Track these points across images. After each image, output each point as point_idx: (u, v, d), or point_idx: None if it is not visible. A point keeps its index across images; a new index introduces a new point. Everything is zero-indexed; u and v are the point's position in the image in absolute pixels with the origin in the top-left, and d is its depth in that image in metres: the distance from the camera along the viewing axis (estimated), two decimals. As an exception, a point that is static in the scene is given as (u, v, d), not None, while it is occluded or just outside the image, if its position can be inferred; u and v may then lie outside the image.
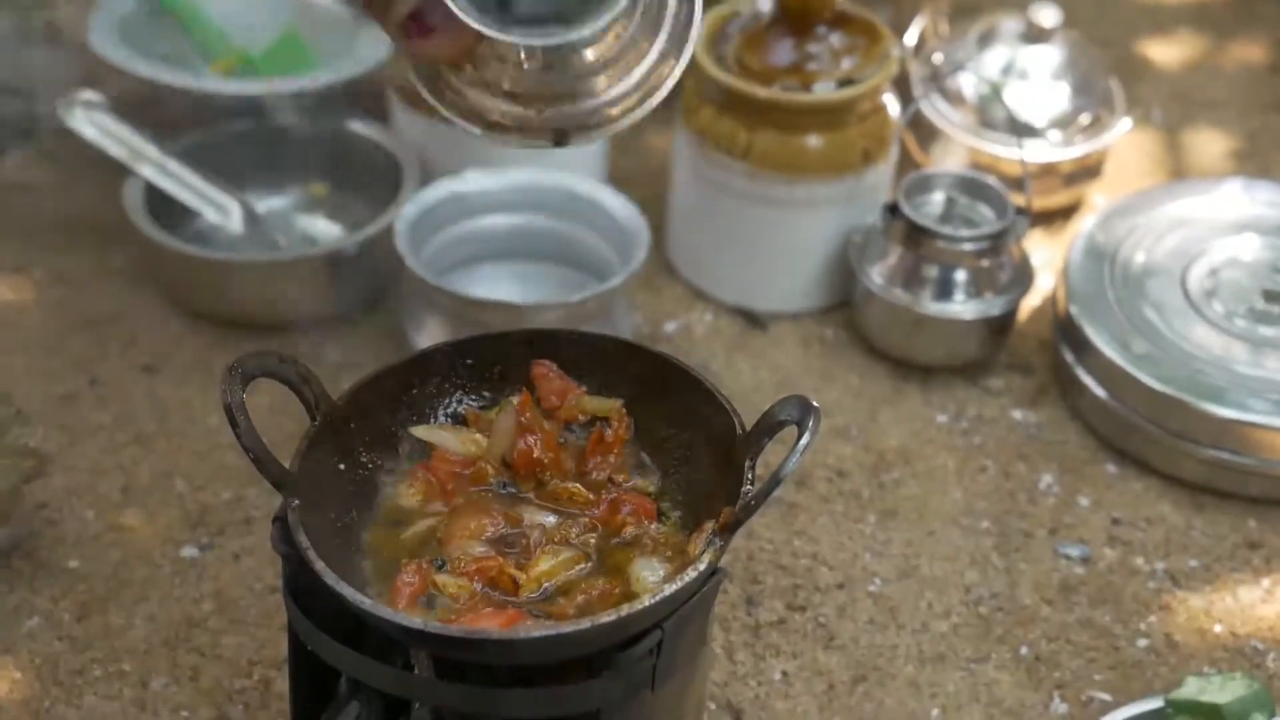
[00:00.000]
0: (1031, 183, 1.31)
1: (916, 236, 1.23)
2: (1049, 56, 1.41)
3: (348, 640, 0.75)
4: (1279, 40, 1.74)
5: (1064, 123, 1.40)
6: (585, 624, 0.70)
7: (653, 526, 0.81)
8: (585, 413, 0.86)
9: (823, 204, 1.27)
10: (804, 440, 0.73)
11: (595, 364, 0.86)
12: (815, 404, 0.75)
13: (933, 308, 1.23)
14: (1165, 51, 1.72)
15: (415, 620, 0.71)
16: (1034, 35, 1.41)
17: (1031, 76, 1.40)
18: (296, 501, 0.75)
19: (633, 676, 0.74)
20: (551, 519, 0.81)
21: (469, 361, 0.86)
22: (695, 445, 0.83)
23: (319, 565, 0.72)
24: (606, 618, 0.70)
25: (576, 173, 1.29)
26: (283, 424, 1.07)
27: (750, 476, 0.76)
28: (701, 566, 0.73)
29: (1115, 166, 1.48)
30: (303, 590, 0.75)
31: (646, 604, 0.71)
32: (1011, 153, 1.34)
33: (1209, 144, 1.57)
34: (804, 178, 1.25)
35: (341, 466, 0.81)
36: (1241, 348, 1.19)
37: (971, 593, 1.08)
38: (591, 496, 0.82)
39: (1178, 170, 1.53)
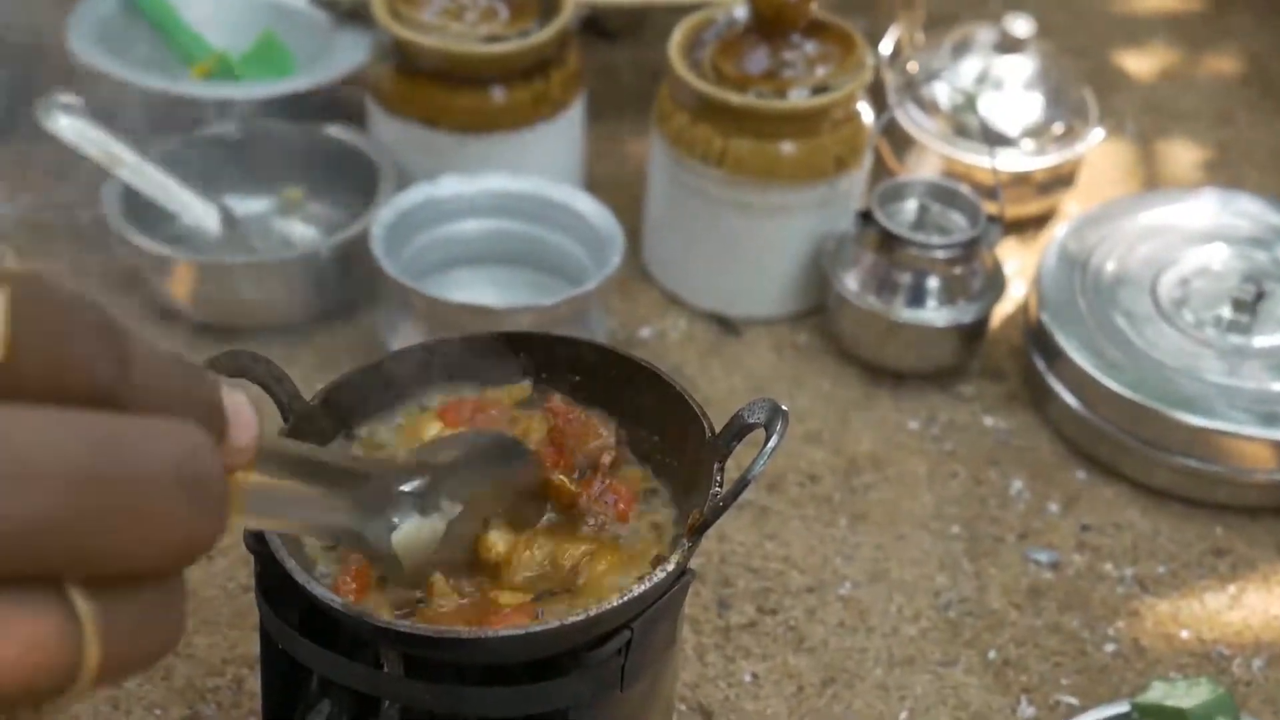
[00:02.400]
0: (1004, 191, 1.32)
1: (889, 243, 1.24)
2: (1023, 66, 1.42)
3: (319, 639, 0.75)
4: (1252, 52, 1.76)
5: (1037, 132, 1.41)
6: (554, 623, 0.71)
7: (625, 527, 0.81)
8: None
9: (796, 210, 1.28)
10: (772, 442, 0.74)
11: (568, 367, 0.87)
12: (783, 406, 0.76)
13: (905, 314, 1.24)
14: (1139, 62, 1.73)
15: (384, 619, 0.71)
16: (1008, 45, 1.42)
17: (1005, 86, 1.41)
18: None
19: (601, 676, 0.75)
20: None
21: (442, 363, 0.87)
22: (669, 449, 0.84)
23: (290, 564, 0.72)
24: (575, 617, 0.71)
25: (552, 178, 1.30)
26: (257, 425, 1.07)
27: (719, 479, 0.77)
28: (670, 567, 0.74)
29: (1088, 176, 1.49)
30: (274, 589, 0.76)
31: (615, 604, 0.71)
32: (985, 161, 1.35)
33: (1181, 154, 1.58)
34: (778, 184, 1.26)
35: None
36: (1211, 356, 1.20)
37: (941, 597, 1.09)
38: (576, 490, 0.80)
39: (1150, 180, 1.54)
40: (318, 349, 1.26)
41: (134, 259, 1.27)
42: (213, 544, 0.38)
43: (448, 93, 1.30)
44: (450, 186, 1.27)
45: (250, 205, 1.36)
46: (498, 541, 0.76)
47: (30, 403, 0.35)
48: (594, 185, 1.39)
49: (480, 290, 1.28)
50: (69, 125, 1.28)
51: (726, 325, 1.33)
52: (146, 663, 0.38)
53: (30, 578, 0.35)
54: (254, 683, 0.98)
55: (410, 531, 0.69)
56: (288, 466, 0.54)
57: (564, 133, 1.35)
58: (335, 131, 1.36)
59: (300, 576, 0.72)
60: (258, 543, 0.75)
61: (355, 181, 1.33)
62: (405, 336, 1.19)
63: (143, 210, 1.28)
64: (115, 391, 0.38)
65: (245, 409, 0.42)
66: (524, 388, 0.86)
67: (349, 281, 1.28)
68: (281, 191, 1.37)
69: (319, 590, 0.72)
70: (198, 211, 1.31)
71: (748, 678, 1.03)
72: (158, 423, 0.37)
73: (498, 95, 1.30)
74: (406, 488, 0.69)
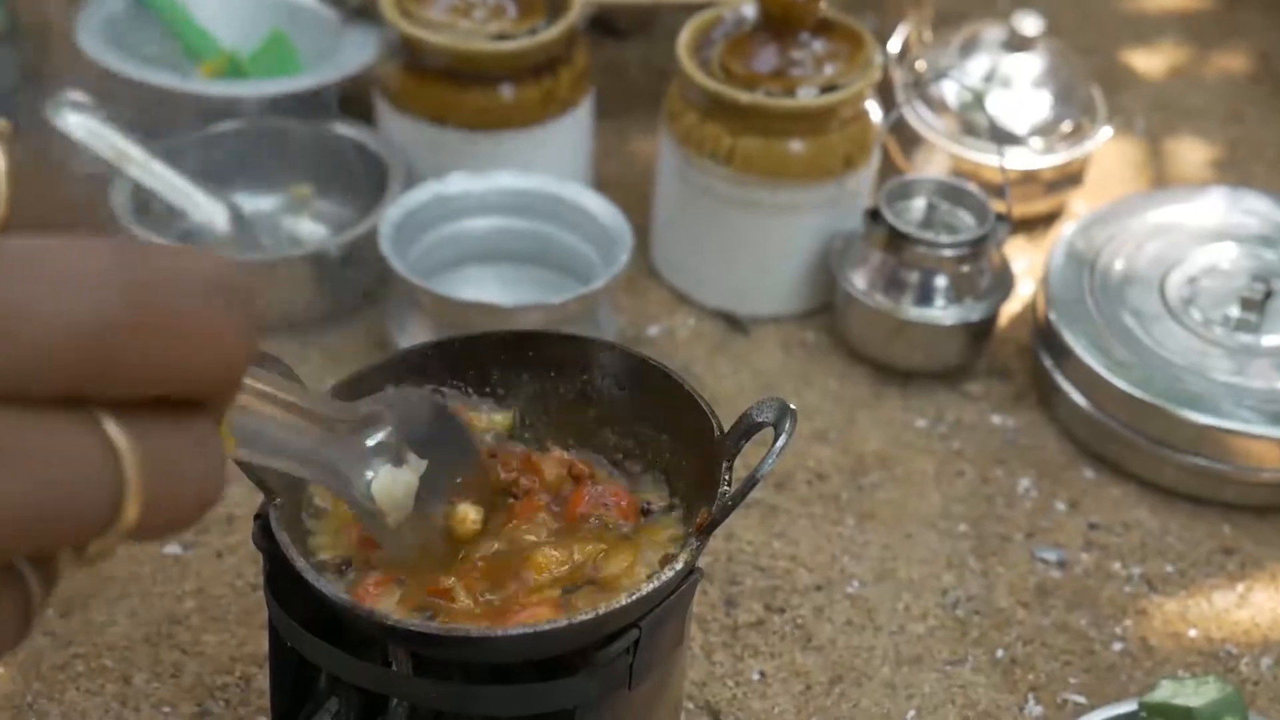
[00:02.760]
0: (1012, 189, 1.32)
1: (897, 242, 1.24)
2: (1031, 64, 1.42)
3: (327, 637, 0.75)
4: (1261, 50, 1.75)
5: (1045, 130, 1.41)
6: (562, 622, 0.71)
7: (631, 524, 0.81)
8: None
9: (805, 209, 1.28)
10: (780, 441, 0.74)
11: (576, 365, 0.87)
12: (792, 405, 0.76)
13: (913, 313, 1.24)
14: (1148, 60, 1.73)
15: (392, 617, 0.71)
16: (1016, 43, 1.42)
17: (1014, 84, 1.41)
18: (279, 499, 0.76)
19: (609, 675, 0.75)
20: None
21: (450, 361, 0.87)
22: (677, 447, 0.84)
23: (299, 562, 0.73)
24: (584, 616, 0.71)
25: (561, 176, 1.30)
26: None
27: (727, 478, 0.77)
28: (678, 566, 0.74)
29: (1097, 174, 1.49)
30: (283, 587, 0.76)
31: (624, 602, 0.72)
32: (993, 160, 1.35)
33: (1190, 153, 1.58)
34: (786, 182, 1.26)
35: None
36: (1219, 355, 1.20)
37: (948, 595, 1.09)
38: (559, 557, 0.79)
39: (1159, 178, 1.54)
40: (326, 347, 1.26)
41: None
42: (246, 364, 0.37)
43: (456, 90, 1.30)
44: (459, 184, 1.27)
45: (259, 203, 1.36)
46: (470, 511, 0.76)
47: None
48: (602, 183, 1.39)
49: (489, 288, 1.28)
50: (78, 123, 1.28)
51: (734, 323, 1.33)
52: (186, 513, 0.36)
53: (64, 400, 0.34)
54: (263, 680, 0.98)
55: (386, 481, 0.67)
56: (268, 397, 0.52)
57: (572, 131, 1.35)
58: (344, 129, 1.36)
59: (309, 574, 0.72)
60: (266, 540, 0.75)
61: (364, 179, 1.33)
62: (414, 334, 1.19)
63: (151, 208, 1.28)
64: None
65: None
66: (508, 418, 0.86)
67: (357, 279, 1.28)
68: (290, 189, 1.37)
69: (327, 587, 0.72)
70: (206, 209, 1.31)
71: (755, 676, 1.03)
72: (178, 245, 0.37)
73: (506, 93, 1.30)
74: (371, 441, 0.67)
